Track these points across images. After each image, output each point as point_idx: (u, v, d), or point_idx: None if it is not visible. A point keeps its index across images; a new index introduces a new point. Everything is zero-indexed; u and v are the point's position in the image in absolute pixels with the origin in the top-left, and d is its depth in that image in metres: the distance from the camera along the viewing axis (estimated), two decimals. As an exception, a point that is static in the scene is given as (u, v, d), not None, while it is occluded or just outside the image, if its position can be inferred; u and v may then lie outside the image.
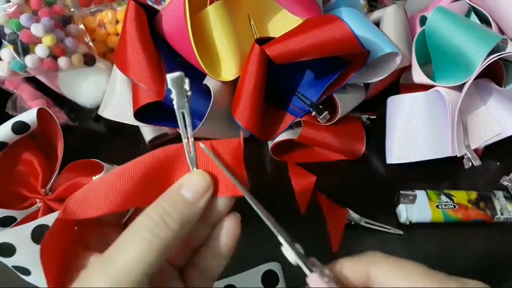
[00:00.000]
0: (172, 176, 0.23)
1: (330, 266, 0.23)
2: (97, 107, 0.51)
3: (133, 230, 0.21)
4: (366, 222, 0.46)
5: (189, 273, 0.24)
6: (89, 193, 0.23)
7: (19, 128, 0.40)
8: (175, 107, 0.22)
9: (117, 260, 0.20)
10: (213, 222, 0.24)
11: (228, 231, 0.23)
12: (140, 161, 0.23)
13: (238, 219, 0.24)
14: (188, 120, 0.22)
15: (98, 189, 0.22)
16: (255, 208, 0.23)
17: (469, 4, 0.50)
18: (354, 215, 0.46)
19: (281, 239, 0.22)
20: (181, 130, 0.23)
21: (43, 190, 0.42)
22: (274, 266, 0.41)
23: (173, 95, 0.21)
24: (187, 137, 0.23)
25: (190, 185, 0.22)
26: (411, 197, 0.46)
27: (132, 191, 0.22)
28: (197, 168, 0.23)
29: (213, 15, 0.43)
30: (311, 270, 0.22)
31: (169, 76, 0.21)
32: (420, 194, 0.46)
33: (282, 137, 0.48)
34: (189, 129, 0.23)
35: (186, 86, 0.21)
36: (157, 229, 0.20)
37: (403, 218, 0.46)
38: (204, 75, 0.44)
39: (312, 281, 0.21)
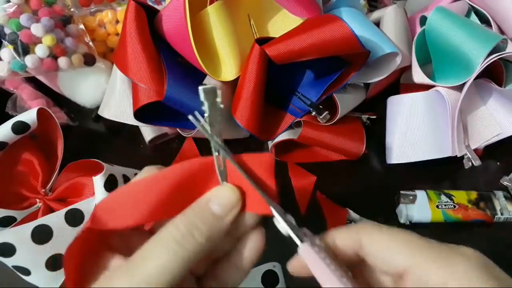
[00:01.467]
0: (201, 189, 0.23)
1: (322, 236, 0.23)
2: (97, 107, 0.51)
3: (160, 239, 0.21)
4: (366, 222, 0.46)
5: (208, 282, 0.24)
6: (117, 203, 0.22)
7: (19, 128, 0.40)
8: (207, 120, 0.21)
9: (142, 268, 0.20)
10: (238, 235, 0.23)
11: (252, 245, 0.23)
12: (169, 173, 0.23)
13: (263, 234, 0.23)
14: (219, 133, 0.22)
15: (127, 200, 0.22)
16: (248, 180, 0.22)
17: (469, 4, 0.50)
18: (354, 215, 0.46)
19: (272, 210, 0.22)
20: (212, 144, 0.22)
21: (43, 190, 0.42)
22: (274, 266, 0.41)
23: (206, 108, 0.21)
24: (218, 151, 0.22)
25: (219, 199, 0.22)
26: (411, 197, 0.46)
27: (161, 203, 0.22)
28: (226, 182, 0.23)
29: (213, 15, 0.43)
30: (302, 241, 0.22)
31: (202, 89, 0.20)
32: (420, 194, 0.46)
33: (282, 137, 0.48)
34: (220, 142, 0.22)
35: (219, 99, 0.20)
36: (184, 241, 0.20)
37: (403, 218, 0.46)
38: (204, 75, 0.44)
39: (303, 251, 0.21)
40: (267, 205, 0.22)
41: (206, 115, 0.21)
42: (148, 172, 0.24)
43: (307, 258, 0.21)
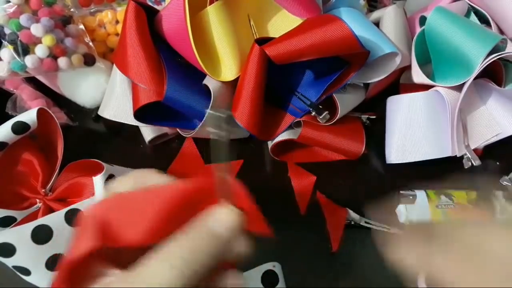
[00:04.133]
0: (203, 207, 0.23)
1: None
2: (97, 107, 0.51)
3: (164, 257, 0.21)
4: (366, 222, 0.46)
5: None
6: (127, 219, 0.22)
7: (19, 128, 0.40)
8: (212, 141, 0.22)
9: (145, 282, 0.20)
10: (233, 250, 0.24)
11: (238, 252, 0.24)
12: (171, 191, 0.23)
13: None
14: (226, 154, 0.22)
15: (135, 216, 0.22)
16: None
17: (469, 4, 0.50)
18: (354, 215, 0.46)
19: None
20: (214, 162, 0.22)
21: (43, 190, 0.42)
22: (274, 266, 0.41)
23: (211, 131, 0.21)
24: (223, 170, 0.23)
25: (221, 220, 0.22)
26: (411, 197, 0.46)
27: (165, 220, 0.22)
28: (229, 202, 0.23)
29: (213, 15, 0.43)
30: None
31: (210, 114, 0.21)
32: (420, 194, 0.46)
33: (282, 137, 0.48)
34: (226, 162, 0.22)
35: (226, 123, 0.21)
36: (187, 260, 0.21)
37: (403, 218, 0.46)
38: (204, 75, 0.44)
39: None
40: (265, 223, 0.23)
41: (211, 136, 0.21)
42: (146, 175, 0.24)
43: None
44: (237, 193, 0.23)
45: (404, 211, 0.46)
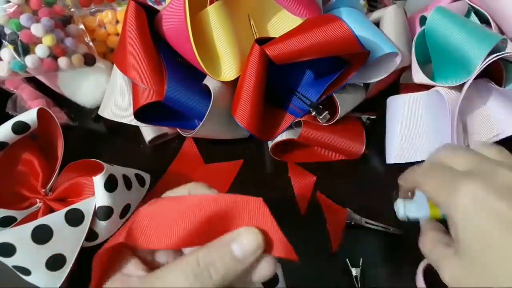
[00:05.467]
0: (232, 225, 0.23)
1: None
2: (97, 107, 0.51)
3: (181, 268, 0.22)
4: (366, 222, 0.46)
5: None
6: (154, 224, 0.23)
7: (19, 128, 0.40)
8: None
9: None
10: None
11: (260, 274, 0.23)
12: (209, 201, 0.23)
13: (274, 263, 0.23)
14: None
15: (164, 222, 0.23)
16: None
17: (469, 4, 0.50)
18: (354, 215, 0.46)
19: None
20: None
21: (43, 190, 0.42)
22: (274, 266, 0.41)
23: None
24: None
25: (242, 243, 0.22)
26: (409, 193, 0.46)
27: (194, 232, 0.23)
28: (255, 226, 0.23)
29: (213, 15, 0.43)
30: None
31: None
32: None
33: (282, 137, 0.48)
34: None
35: None
36: (200, 276, 0.21)
37: (400, 214, 0.46)
38: (204, 75, 0.44)
39: None
40: (292, 249, 0.22)
41: None
42: (195, 189, 0.25)
43: None
44: (265, 216, 0.23)
45: (402, 207, 0.45)
